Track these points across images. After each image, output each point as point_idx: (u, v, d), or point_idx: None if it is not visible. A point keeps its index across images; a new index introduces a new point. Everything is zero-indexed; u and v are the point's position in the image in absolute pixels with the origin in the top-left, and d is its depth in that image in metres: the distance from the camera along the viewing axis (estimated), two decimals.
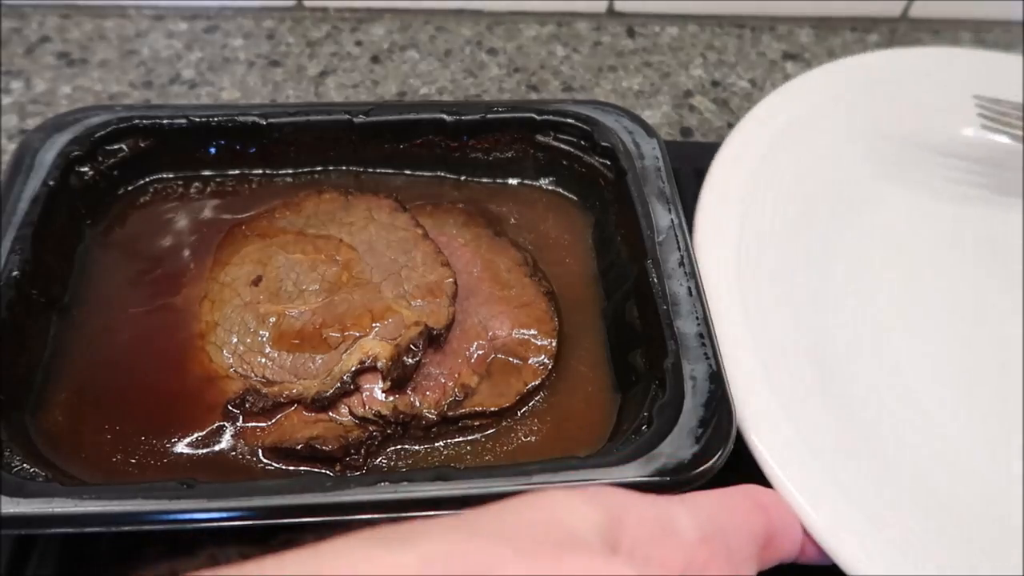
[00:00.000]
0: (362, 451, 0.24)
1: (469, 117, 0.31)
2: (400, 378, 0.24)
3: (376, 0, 0.44)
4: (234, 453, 0.24)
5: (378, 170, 0.32)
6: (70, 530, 0.20)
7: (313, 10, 0.44)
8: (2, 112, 0.37)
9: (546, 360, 0.26)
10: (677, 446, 0.21)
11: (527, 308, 0.27)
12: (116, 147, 0.30)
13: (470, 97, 0.41)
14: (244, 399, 0.24)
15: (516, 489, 0.21)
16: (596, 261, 0.30)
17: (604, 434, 0.25)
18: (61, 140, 0.29)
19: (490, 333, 0.26)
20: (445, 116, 0.31)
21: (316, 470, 0.24)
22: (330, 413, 0.24)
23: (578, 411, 0.26)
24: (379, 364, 0.24)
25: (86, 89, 0.39)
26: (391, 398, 0.24)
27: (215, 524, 0.20)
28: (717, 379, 0.23)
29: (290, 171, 0.32)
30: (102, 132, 0.30)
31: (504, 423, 0.25)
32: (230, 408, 0.24)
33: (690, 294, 0.25)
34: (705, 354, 0.24)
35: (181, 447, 0.24)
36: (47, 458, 0.23)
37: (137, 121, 0.30)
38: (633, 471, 0.21)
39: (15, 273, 0.25)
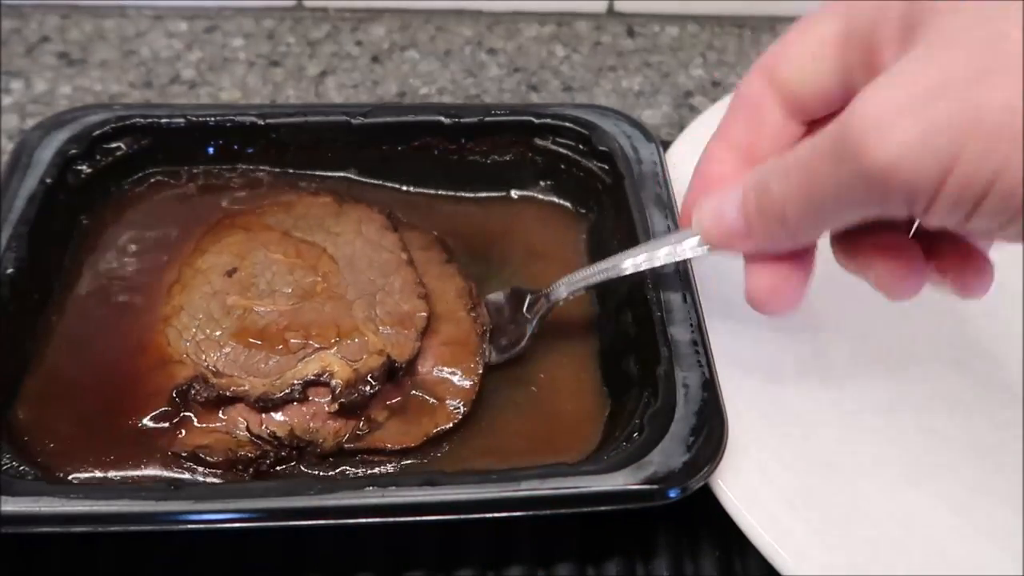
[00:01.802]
0: (250, 470, 0.23)
1: (467, 120, 0.31)
2: (350, 405, 0.24)
3: (376, 0, 0.44)
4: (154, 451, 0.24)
5: (373, 179, 0.32)
6: (56, 529, 0.20)
7: (313, 10, 0.44)
8: (2, 112, 0.38)
9: (462, 406, 0.25)
10: (668, 454, 0.21)
11: (455, 347, 0.26)
12: (114, 146, 0.30)
13: (470, 97, 0.41)
14: (191, 387, 0.24)
15: (503, 496, 0.21)
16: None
17: (594, 441, 0.24)
18: (59, 138, 0.29)
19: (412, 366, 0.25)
20: (443, 119, 0.31)
21: (203, 480, 0.23)
22: (229, 425, 0.24)
23: (568, 417, 0.25)
24: (333, 382, 0.24)
25: (86, 89, 0.39)
26: (289, 420, 0.24)
27: (201, 526, 0.20)
28: (710, 387, 0.23)
29: (289, 171, 0.31)
30: (100, 131, 0.30)
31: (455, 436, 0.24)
32: (174, 395, 0.24)
33: (684, 301, 0.25)
34: (699, 362, 0.23)
35: (126, 432, 0.24)
36: (36, 456, 0.23)
37: (135, 120, 0.30)
38: (623, 479, 0.21)
39: (10, 271, 0.25)
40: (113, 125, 0.30)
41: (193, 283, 0.26)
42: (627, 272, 0.24)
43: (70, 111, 0.30)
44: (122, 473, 0.23)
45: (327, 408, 0.24)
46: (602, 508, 0.21)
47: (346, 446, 0.24)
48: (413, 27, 0.44)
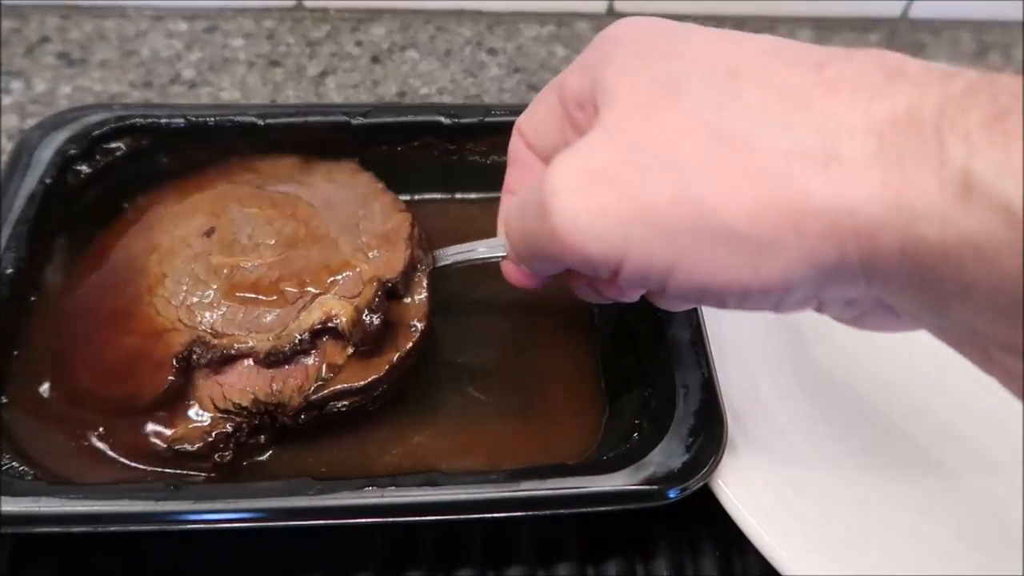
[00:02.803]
0: (231, 445, 0.23)
1: (467, 120, 0.31)
2: (363, 338, 0.23)
3: (376, 0, 0.44)
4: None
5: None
6: (56, 529, 0.20)
7: (313, 10, 0.44)
8: (2, 112, 0.38)
9: (418, 323, 0.24)
10: (668, 454, 0.21)
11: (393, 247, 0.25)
12: (114, 146, 0.30)
13: (470, 97, 0.41)
14: (191, 351, 0.23)
15: (503, 496, 0.21)
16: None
17: (593, 441, 0.24)
18: (59, 138, 0.29)
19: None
20: (443, 119, 0.31)
21: (191, 472, 0.23)
22: (188, 413, 0.23)
23: (568, 417, 0.25)
24: (339, 323, 0.23)
25: (86, 89, 0.39)
26: (249, 387, 0.23)
27: (201, 526, 0.20)
28: (709, 387, 0.23)
29: None
30: (100, 131, 0.30)
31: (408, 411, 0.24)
32: (176, 363, 0.23)
33: None
34: (698, 362, 0.23)
35: (136, 417, 0.23)
36: (35, 456, 0.23)
37: (135, 120, 0.30)
38: (623, 479, 0.21)
39: (10, 271, 0.25)
40: (113, 125, 0.30)
41: (172, 249, 0.25)
42: (482, 255, 0.24)
43: (70, 111, 0.30)
44: (124, 471, 0.23)
45: (340, 355, 0.23)
46: (602, 508, 0.21)
47: (313, 397, 0.23)
48: (413, 27, 0.44)
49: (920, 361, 0.27)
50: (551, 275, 0.22)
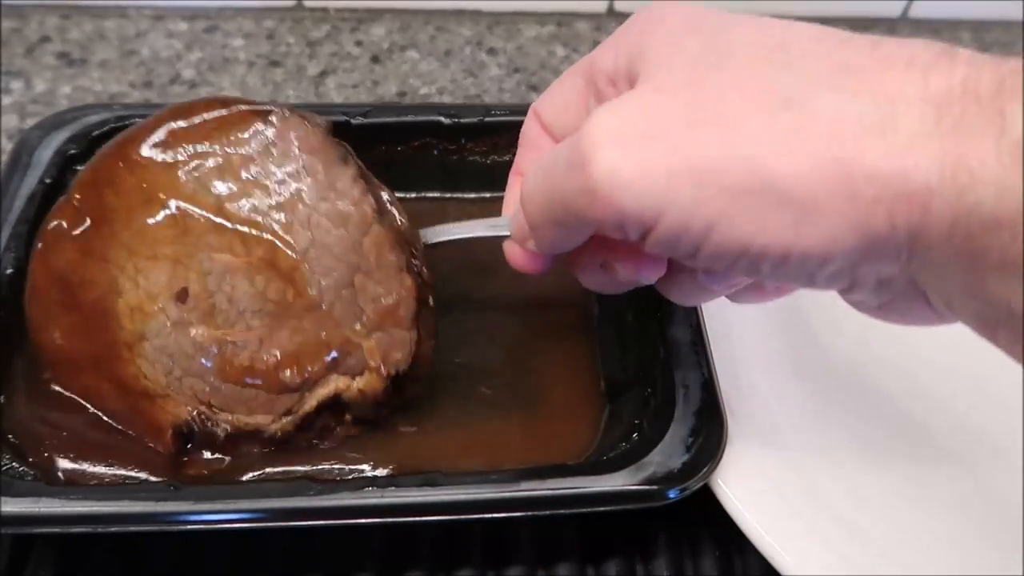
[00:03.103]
0: (226, 459, 0.23)
1: (467, 120, 0.31)
2: (366, 420, 0.23)
3: (376, 0, 0.44)
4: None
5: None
6: (56, 529, 0.20)
7: (313, 10, 0.44)
8: (2, 112, 0.38)
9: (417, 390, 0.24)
10: (667, 455, 0.21)
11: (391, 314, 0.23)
12: None
13: (470, 97, 0.41)
14: (192, 423, 0.22)
15: (503, 496, 0.21)
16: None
17: (592, 441, 0.24)
18: (59, 138, 0.29)
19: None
20: (443, 119, 0.31)
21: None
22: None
23: (568, 417, 0.25)
24: (344, 399, 0.23)
25: (86, 89, 0.39)
26: (228, 417, 0.23)
27: (201, 526, 0.20)
28: (709, 387, 0.23)
29: None
30: (100, 131, 0.30)
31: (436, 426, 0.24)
32: (173, 432, 0.22)
33: None
34: (698, 362, 0.23)
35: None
36: (35, 457, 0.23)
37: (135, 120, 0.30)
38: (622, 479, 0.21)
39: (10, 271, 0.25)
40: (113, 125, 0.30)
41: (141, 307, 0.22)
42: (482, 234, 0.24)
43: (70, 111, 0.30)
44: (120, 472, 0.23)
45: (345, 430, 0.24)
46: (602, 508, 0.21)
47: (313, 439, 0.23)
48: (413, 27, 0.44)
49: (922, 361, 0.27)
50: (558, 255, 0.21)
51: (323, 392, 0.22)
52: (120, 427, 0.23)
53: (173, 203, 0.23)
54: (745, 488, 0.22)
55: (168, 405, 0.22)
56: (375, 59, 0.42)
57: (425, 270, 0.24)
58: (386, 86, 0.41)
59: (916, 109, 0.14)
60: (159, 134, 0.24)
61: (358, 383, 0.23)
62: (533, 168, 0.19)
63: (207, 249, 0.22)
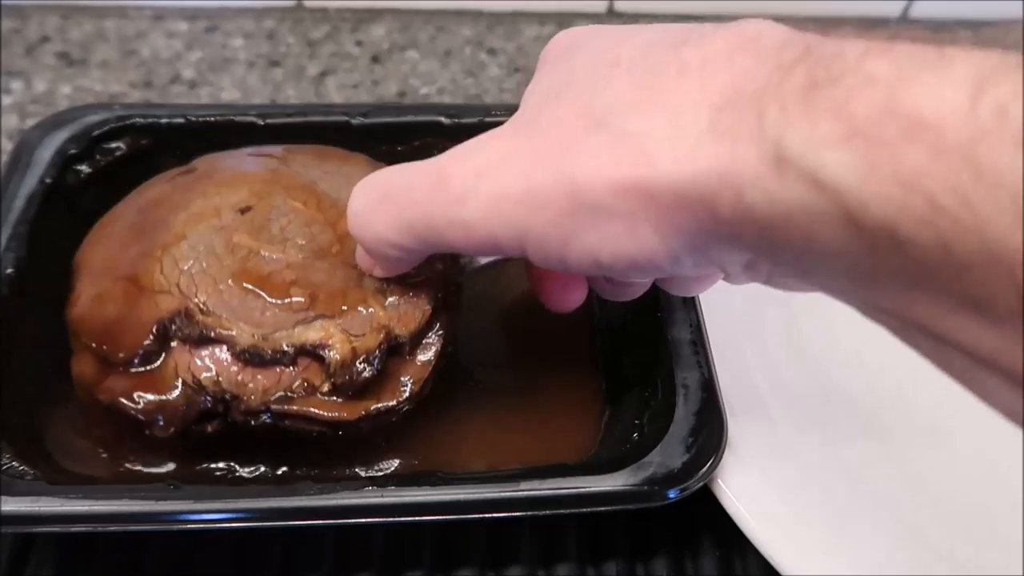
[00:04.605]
0: (175, 421, 0.21)
1: (467, 120, 0.31)
2: (343, 385, 0.22)
3: (376, 0, 0.44)
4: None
5: None
6: (56, 529, 0.20)
7: (313, 10, 0.44)
8: (2, 112, 0.38)
9: (411, 384, 0.23)
10: (668, 455, 0.21)
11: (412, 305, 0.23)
12: (114, 146, 0.30)
13: (470, 97, 0.41)
14: (172, 320, 0.22)
15: (503, 496, 0.21)
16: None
17: (592, 441, 0.24)
18: (59, 138, 0.29)
19: None
20: (443, 119, 0.31)
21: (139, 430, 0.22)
22: (150, 376, 0.22)
23: (568, 417, 0.25)
24: (329, 356, 0.22)
25: (86, 89, 0.39)
26: (217, 370, 0.22)
27: (201, 526, 0.20)
28: (709, 387, 0.23)
29: None
30: (100, 131, 0.30)
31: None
32: (156, 329, 0.22)
33: (684, 301, 0.25)
34: (698, 362, 0.23)
35: (114, 371, 0.22)
36: (36, 456, 0.23)
37: (135, 120, 0.30)
38: (623, 479, 0.21)
39: (10, 271, 0.25)
40: (113, 125, 0.30)
41: (202, 214, 0.24)
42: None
43: (70, 111, 0.30)
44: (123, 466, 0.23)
45: (318, 380, 0.22)
46: (602, 508, 0.21)
47: (273, 407, 0.22)
48: (413, 27, 0.44)
49: (928, 364, 0.27)
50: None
51: (313, 335, 0.22)
52: (98, 346, 0.22)
53: (273, 162, 0.26)
54: (745, 488, 0.22)
55: (163, 301, 0.22)
56: (375, 59, 0.42)
57: (454, 261, 0.24)
58: (386, 86, 0.41)
59: (699, 114, 0.14)
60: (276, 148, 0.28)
61: (354, 342, 0.22)
62: (362, 197, 0.20)
63: (286, 195, 0.24)
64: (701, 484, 0.21)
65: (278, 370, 0.22)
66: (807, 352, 0.27)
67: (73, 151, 0.29)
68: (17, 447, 0.23)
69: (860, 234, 0.12)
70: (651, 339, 0.24)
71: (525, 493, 0.21)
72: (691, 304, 0.25)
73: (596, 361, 0.27)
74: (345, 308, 0.22)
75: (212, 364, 0.22)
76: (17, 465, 0.22)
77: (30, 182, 0.27)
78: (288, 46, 0.42)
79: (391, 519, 0.20)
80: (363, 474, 0.24)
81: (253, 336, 0.22)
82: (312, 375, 0.22)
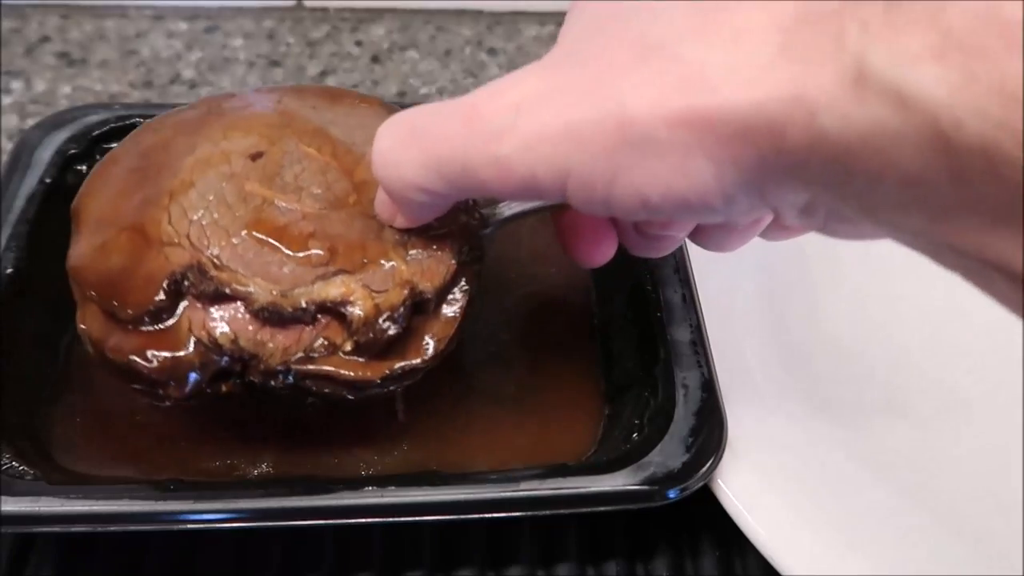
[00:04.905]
0: (188, 380, 0.20)
1: None
2: (367, 343, 0.20)
3: (376, 0, 0.44)
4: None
5: None
6: (56, 529, 0.20)
7: (313, 10, 0.44)
8: (2, 112, 0.38)
9: (434, 342, 0.21)
10: (668, 455, 0.21)
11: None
12: (114, 145, 0.30)
13: None
14: (185, 275, 0.20)
15: (503, 495, 0.21)
16: (590, 268, 0.30)
17: (594, 441, 0.24)
18: (59, 138, 0.29)
19: None
20: None
21: (148, 390, 0.20)
22: (163, 334, 0.20)
23: (568, 417, 0.25)
24: (351, 311, 0.20)
25: (86, 89, 0.39)
26: (233, 329, 0.20)
27: (201, 526, 0.20)
28: (709, 387, 0.23)
29: None
30: (100, 130, 0.30)
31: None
32: (167, 284, 0.20)
33: (684, 301, 0.25)
34: (698, 362, 0.23)
35: (121, 327, 0.20)
36: (36, 456, 0.23)
37: (135, 120, 0.30)
38: (623, 479, 0.21)
39: (10, 271, 0.25)
40: (113, 125, 0.30)
41: (211, 160, 0.22)
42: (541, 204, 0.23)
43: (70, 111, 0.30)
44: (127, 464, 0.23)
45: (339, 339, 0.21)
46: (602, 508, 0.21)
47: (294, 367, 0.20)
48: (413, 27, 0.44)
49: (926, 359, 0.27)
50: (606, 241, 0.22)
51: (334, 292, 0.20)
52: (102, 299, 0.21)
53: (282, 104, 0.24)
54: (745, 488, 0.22)
55: (173, 254, 0.21)
56: (375, 59, 0.42)
57: (478, 215, 0.23)
58: (386, 86, 0.41)
59: (765, 38, 0.13)
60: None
61: (377, 299, 0.21)
62: (389, 136, 0.18)
63: (298, 140, 0.23)
64: (701, 484, 0.21)
65: (298, 328, 0.21)
66: (807, 352, 0.27)
67: (73, 151, 0.29)
68: (17, 447, 0.23)
69: (949, 156, 0.11)
70: (651, 339, 0.24)
71: (525, 493, 0.21)
72: (691, 304, 0.25)
73: (596, 361, 0.27)
74: (365, 262, 0.21)
75: (228, 322, 0.20)
76: (17, 465, 0.22)
77: (30, 182, 0.27)
78: (288, 46, 0.42)
79: (391, 519, 0.20)
80: (363, 474, 0.24)
81: (272, 293, 0.20)
82: (333, 333, 0.21)
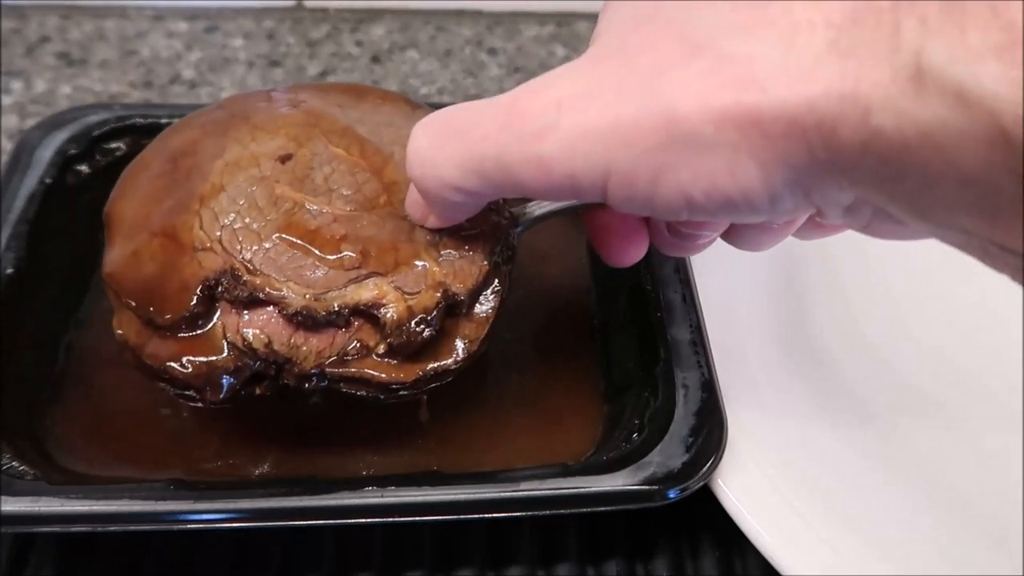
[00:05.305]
0: (223, 384, 0.21)
1: None
2: (400, 346, 0.20)
3: (376, 0, 0.44)
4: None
5: None
6: (56, 529, 0.20)
7: (313, 10, 0.44)
8: (2, 112, 0.38)
9: (466, 343, 0.21)
10: (668, 455, 0.21)
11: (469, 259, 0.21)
12: (114, 146, 0.30)
13: (470, 97, 0.41)
14: (219, 281, 0.20)
15: (503, 496, 0.21)
16: (591, 268, 0.30)
17: (594, 441, 0.24)
18: (59, 138, 0.29)
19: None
20: None
21: (183, 392, 0.21)
22: (199, 338, 0.21)
23: (568, 417, 0.25)
24: (384, 313, 0.20)
25: (86, 89, 0.39)
26: (267, 333, 0.20)
27: (201, 526, 0.20)
28: (709, 387, 0.23)
29: None
30: (100, 130, 0.30)
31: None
32: (201, 291, 0.20)
33: (684, 301, 0.25)
34: (698, 362, 0.23)
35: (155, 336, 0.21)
36: (36, 456, 0.23)
37: (135, 120, 0.30)
38: (623, 479, 0.21)
39: (10, 271, 0.25)
40: (113, 125, 0.30)
41: (239, 162, 0.22)
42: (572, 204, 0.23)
43: (70, 111, 0.30)
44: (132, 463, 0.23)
45: (373, 341, 0.21)
46: (602, 508, 0.21)
47: (328, 370, 0.21)
48: (413, 27, 0.44)
49: (927, 360, 0.27)
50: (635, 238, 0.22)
51: (367, 295, 0.20)
52: (139, 307, 0.21)
53: (308, 104, 0.24)
54: (745, 488, 0.22)
55: (206, 260, 0.21)
56: (375, 59, 0.42)
57: (508, 213, 0.23)
58: (386, 86, 0.41)
59: (817, 34, 0.13)
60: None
61: (410, 301, 0.21)
62: (425, 135, 0.18)
63: (327, 140, 0.23)
64: (701, 484, 0.21)
65: (331, 332, 0.21)
66: (808, 352, 0.27)
67: (73, 151, 0.29)
68: (17, 447, 0.23)
69: (1011, 155, 0.11)
70: (651, 339, 0.24)
71: (525, 493, 0.21)
72: (691, 304, 0.25)
73: (596, 361, 0.27)
74: (398, 264, 0.21)
75: (262, 326, 0.21)
76: (17, 465, 0.22)
77: (30, 182, 0.28)
78: (288, 46, 0.42)
79: (391, 519, 0.20)
80: (364, 474, 0.24)
81: (305, 297, 0.20)
82: (366, 336, 0.21)
